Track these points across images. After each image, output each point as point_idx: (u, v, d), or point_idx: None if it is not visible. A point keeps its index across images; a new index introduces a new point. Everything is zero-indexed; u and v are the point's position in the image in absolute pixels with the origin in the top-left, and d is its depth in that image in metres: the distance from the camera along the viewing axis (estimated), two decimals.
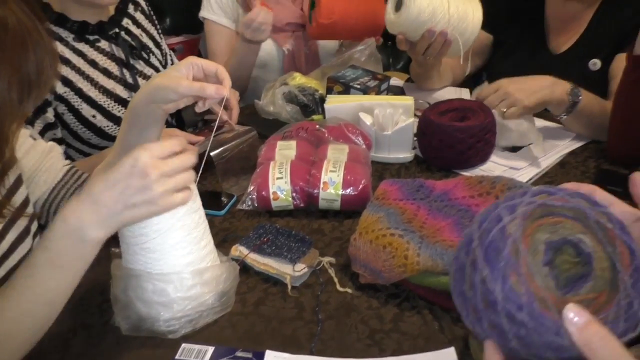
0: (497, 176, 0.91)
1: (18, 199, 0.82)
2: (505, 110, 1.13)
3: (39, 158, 0.92)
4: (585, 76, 1.28)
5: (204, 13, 1.64)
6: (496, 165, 1.16)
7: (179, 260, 0.75)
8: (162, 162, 0.67)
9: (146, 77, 1.31)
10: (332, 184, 0.99)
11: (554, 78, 1.16)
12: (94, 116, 1.22)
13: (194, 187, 0.76)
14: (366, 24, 1.48)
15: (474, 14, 1.24)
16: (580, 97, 1.14)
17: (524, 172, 1.13)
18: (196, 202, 0.77)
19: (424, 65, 1.40)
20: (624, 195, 1.07)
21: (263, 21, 1.45)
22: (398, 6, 1.24)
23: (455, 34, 1.24)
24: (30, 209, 0.85)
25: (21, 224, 0.81)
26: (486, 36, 1.48)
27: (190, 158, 0.70)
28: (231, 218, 1.03)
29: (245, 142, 1.15)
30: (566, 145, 1.21)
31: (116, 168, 0.66)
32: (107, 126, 1.24)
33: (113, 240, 0.72)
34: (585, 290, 0.41)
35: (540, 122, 1.26)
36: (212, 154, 1.07)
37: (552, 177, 1.12)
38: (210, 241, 0.80)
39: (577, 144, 1.22)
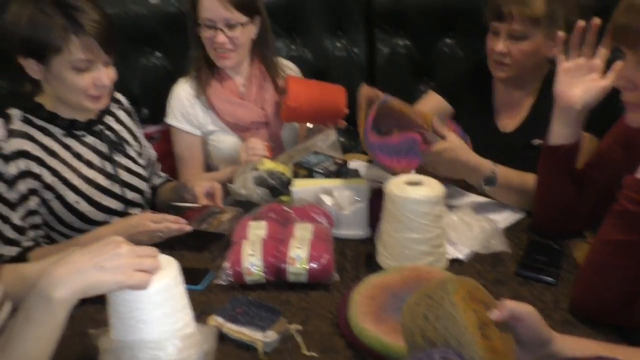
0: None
1: None
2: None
3: None
4: (529, 153, 1.40)
5: (168, 120, 1.76)
6: None
7: (169, 327, 0.83)
8: (133, 245, 0.82)
9: (123, 167, 1.44)
10: (298, 259, 1.12)
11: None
12: (77, 202, 1.34)
13: (174, 263, 0.86)
14: (329, 110, 1.66)
15: None
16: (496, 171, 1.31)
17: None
18: (179, 275, 0.86)
19: None
20: (549, 263, 1.23)
21: (255, 147, 1.60)
22: None
23: None
24: None
25: None
26: (448, 106, 1.60)
27: (155, 251, 0.84)
28: (208, 292, 1.13)
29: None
30: (504, 220, 1.37)
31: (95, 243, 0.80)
32: (89, 211, 1.36)
33: (89, 322, 0.82)
34: None
35: (480, 198, 1.44)
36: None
37: None
38: (190, 308, 0.89)
39: (513, 219, 1.38)
